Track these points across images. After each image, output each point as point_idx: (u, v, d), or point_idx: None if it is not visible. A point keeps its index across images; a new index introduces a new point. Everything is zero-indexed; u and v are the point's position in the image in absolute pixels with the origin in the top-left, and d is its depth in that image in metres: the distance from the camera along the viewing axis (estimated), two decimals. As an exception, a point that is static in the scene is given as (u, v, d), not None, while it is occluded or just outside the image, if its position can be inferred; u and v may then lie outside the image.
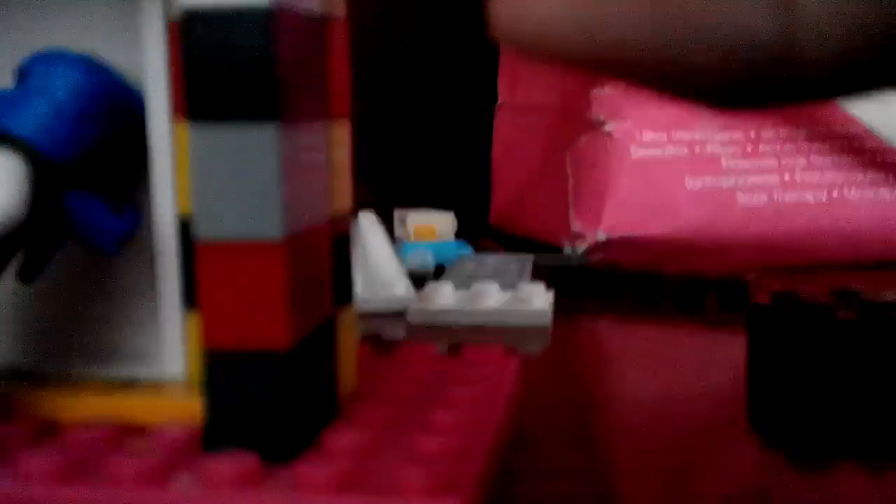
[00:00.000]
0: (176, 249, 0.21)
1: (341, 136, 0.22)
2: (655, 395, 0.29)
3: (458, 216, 0.51)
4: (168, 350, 0.21)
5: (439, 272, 0.46)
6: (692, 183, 0.48)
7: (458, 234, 0.50)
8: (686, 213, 0.48)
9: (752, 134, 0.48)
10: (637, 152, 0.48)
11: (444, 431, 0.20)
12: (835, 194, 0.48)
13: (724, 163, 0.48)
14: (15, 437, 0.19)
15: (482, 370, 0.24)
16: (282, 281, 0.18)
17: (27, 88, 0.20)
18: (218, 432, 0.18)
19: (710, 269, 0.42)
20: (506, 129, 0.59)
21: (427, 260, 0.48)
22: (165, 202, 0.21)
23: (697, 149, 0.48)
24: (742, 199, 0.48)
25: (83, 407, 0.21)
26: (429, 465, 0.17)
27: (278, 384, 0.18)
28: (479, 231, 0.59)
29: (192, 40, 0.17)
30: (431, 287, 0.39)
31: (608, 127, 0.48)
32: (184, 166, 0.18)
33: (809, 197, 0.48)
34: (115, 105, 0.21)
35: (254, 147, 0.17)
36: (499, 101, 0.59)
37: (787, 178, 0.48)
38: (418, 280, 0.41)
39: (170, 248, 0.21)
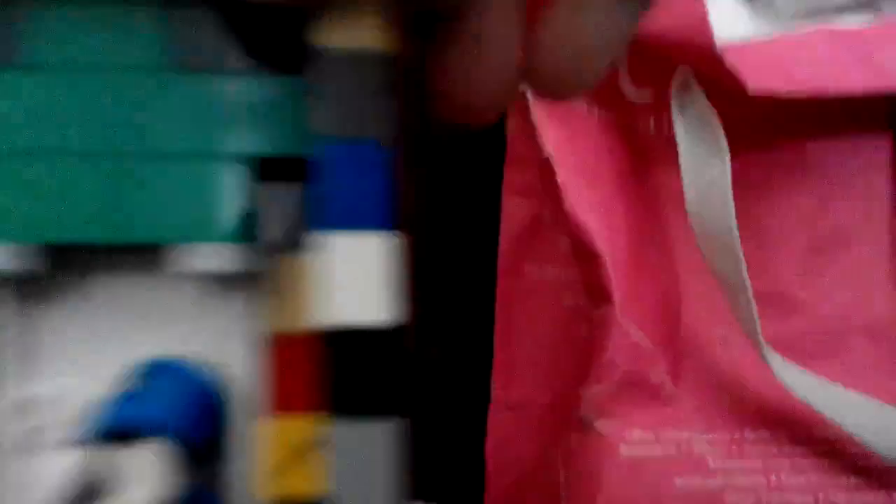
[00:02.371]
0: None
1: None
2: None
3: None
4: None
5: None
6: (681, 483, 0.47)
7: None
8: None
9: (737, 435, 0.48)
10: (626, 451, 0.48)
11: None
12: (820, 497, 0.47)
13: (711, 464, 0.48)
14: None
15: None
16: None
17: (159, 399, 0.23)
18: None
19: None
20: (499, 428, 0.56)
21: None
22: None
23: (685, 448, 0.48)
24: (730, 500, 0.47)
25: None
26: None
27: None
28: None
29: (338, 353, 0.21)
30: None
31: (597, 425, 0.48)
32: (273, 456, 0.21)
33: (796, 500, 0.48)
34: (214, 407, 0.24)
35: (382, 436, 0.21)
36: (492, 399, 0.58)
37: (773, 479, 0.48)
38: None
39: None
